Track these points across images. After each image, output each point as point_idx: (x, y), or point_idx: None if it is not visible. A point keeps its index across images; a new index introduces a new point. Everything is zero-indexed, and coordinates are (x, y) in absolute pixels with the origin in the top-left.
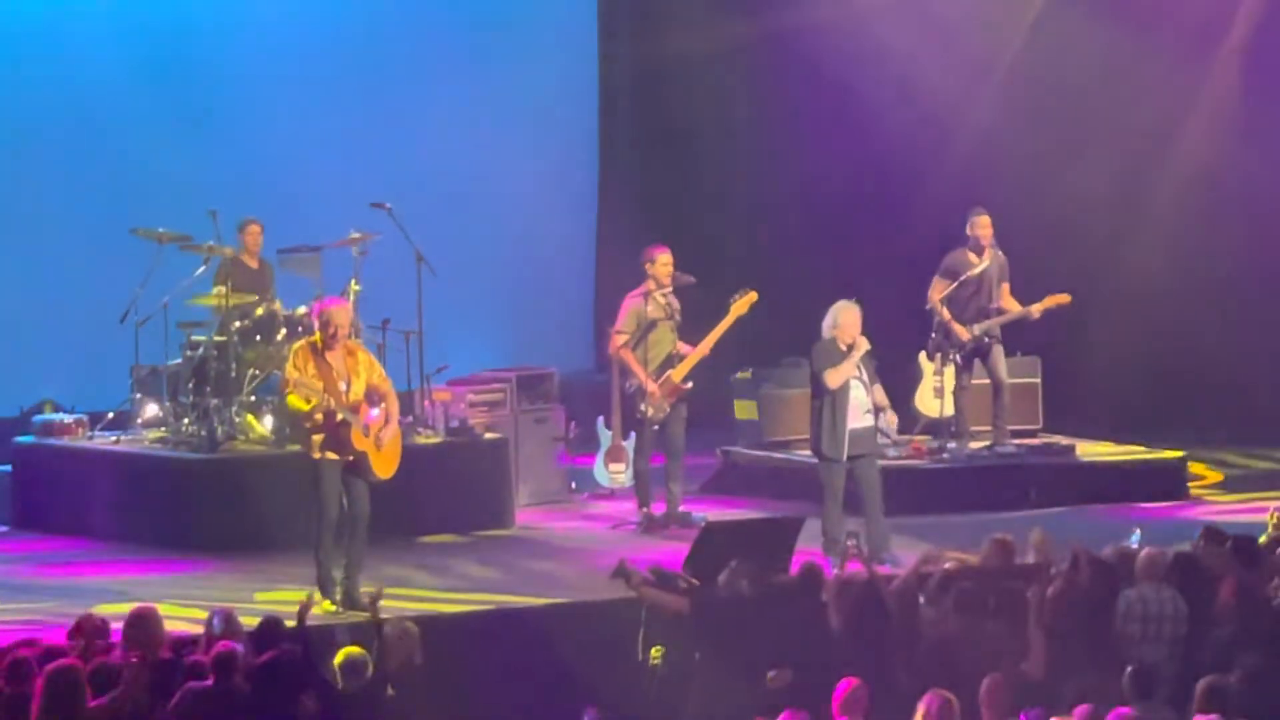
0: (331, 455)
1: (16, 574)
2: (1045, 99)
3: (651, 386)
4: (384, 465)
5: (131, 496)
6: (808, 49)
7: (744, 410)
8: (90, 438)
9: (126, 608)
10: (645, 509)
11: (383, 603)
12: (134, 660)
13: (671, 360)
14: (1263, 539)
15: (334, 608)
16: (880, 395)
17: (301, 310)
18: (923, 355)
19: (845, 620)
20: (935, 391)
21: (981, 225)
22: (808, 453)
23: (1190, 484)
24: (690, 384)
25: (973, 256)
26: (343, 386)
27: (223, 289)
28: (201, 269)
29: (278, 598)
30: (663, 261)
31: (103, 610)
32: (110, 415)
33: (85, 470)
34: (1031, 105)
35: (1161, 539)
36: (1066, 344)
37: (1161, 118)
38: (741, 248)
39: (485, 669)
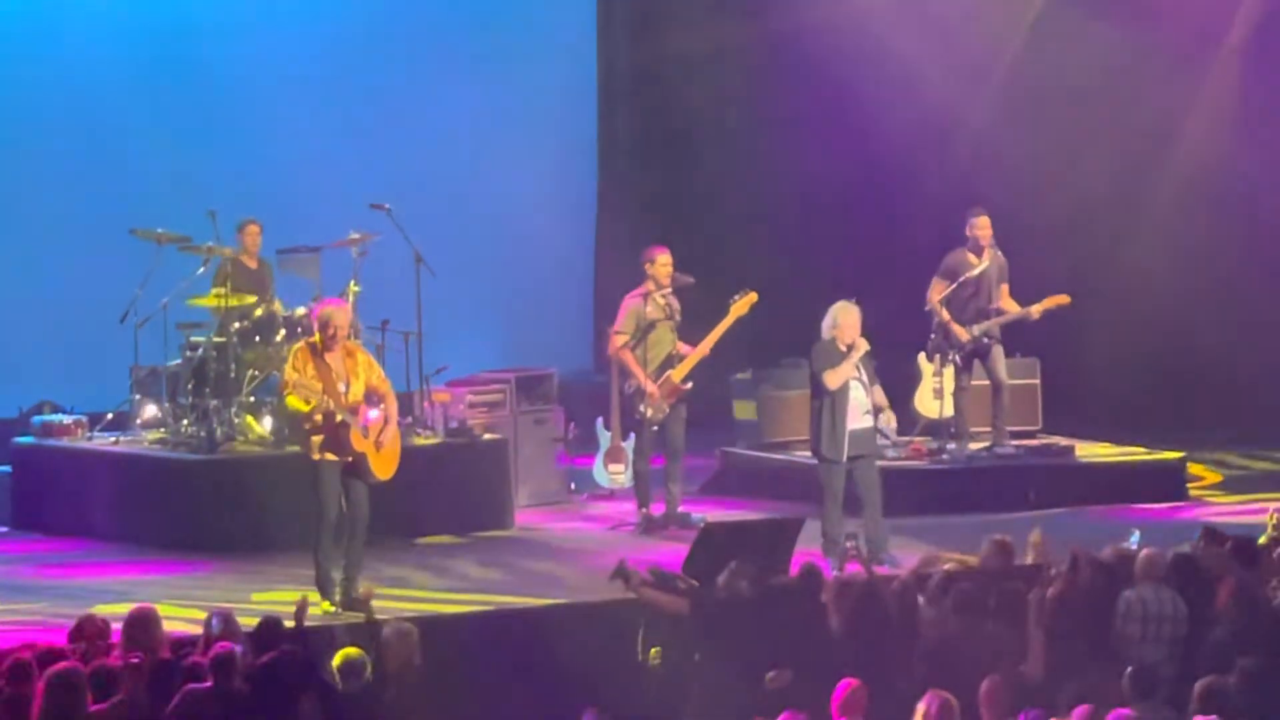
0: (331, 456)
1: (15, 575)
2: (1045, 99)
3: (651, 387)
4: (383, 466)
5: (131, 497)
6: (808, 49)
7: (743, 411)
8: (89, 439)
9: (125, 608)
10: (644, 510)
11: (383, 604)
12: (134, 661)
13: (671, 360)
14: (1262, 540)
15: (333, 608)
16: (880, 396)
17: (301, 311)
18: (922, 356)
19: (845, 621)
20: (935, 392)
21: (981, 226)
22: (807, 454)
23: (1189, 485)
24: (690, 384)
25: (972, 257)
26: (342, 387)
27: (222, 290)
28: (201, 270)
29: (275, 598)
30: (662, 262)
31: (102, 611)
32: (109, 416)
33: (84, 471)
34: (1031, 105)
35: (1161, 540)
36: (1066, 345)
37: (1161, 118)
38: (741, 248)
39: (484, 670)
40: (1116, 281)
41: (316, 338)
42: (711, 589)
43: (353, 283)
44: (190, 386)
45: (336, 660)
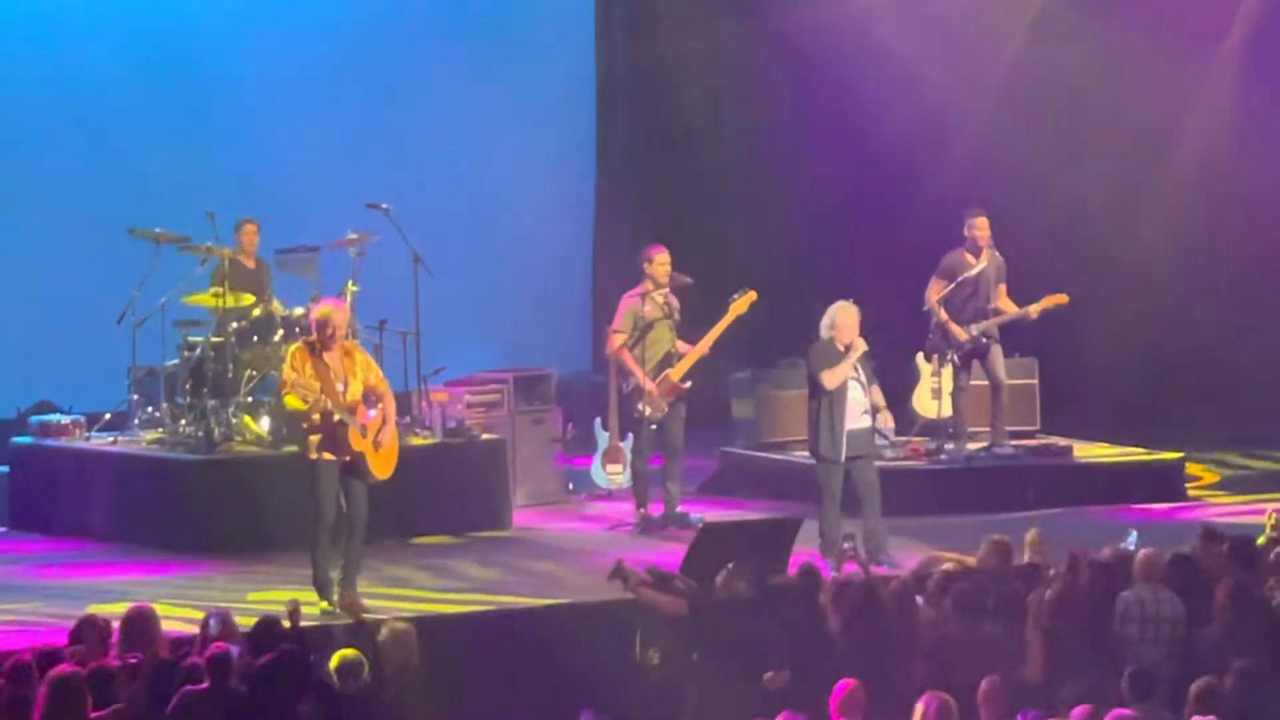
0: (329, 456)
1: (13, 575)
2: (1045, 99)
3: (649, 386)
4: (381, 466)
5: (129, 497)
6: (807, 49)
7: (742, 410)
8: (88, 438)
9: (124, 608)
10: (643, 510)
11: (381, 603)
12: (132, 662)
13: (670, 359)
14: (1260, 540)
15: (331, 609)
16: (878, 396)
17: (299, 311)
18: (920, 356)
19: (843, 621)
20: (933, 392)
21: (979, 226)
22: (805, 454)
23: (1188, 485)
24: (689, 383)
25: (970, 257)
26: (340, 387)
27: (220, 289)
28: (199, 270)
29: (273, 598)
30: (660, 261)
31: (100, 610)
32: (107, 416)
33: (82, 471)
34: (1031, 105)
35: (1159, 540)
36: (1064, 345)
37: (1161, 118)
38: (741, 248)
39: (483, 670)
40: (1116, 281)
41: (315, 337)
42: (710, 589)
43: (351, 282)
44: (188, 386)
45: (334, 661)
